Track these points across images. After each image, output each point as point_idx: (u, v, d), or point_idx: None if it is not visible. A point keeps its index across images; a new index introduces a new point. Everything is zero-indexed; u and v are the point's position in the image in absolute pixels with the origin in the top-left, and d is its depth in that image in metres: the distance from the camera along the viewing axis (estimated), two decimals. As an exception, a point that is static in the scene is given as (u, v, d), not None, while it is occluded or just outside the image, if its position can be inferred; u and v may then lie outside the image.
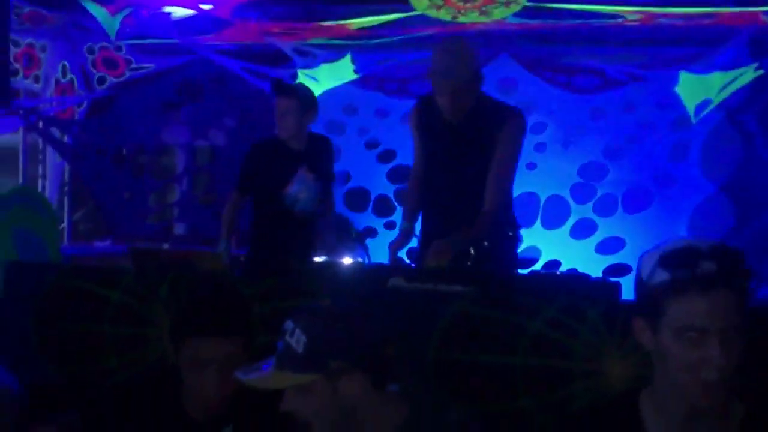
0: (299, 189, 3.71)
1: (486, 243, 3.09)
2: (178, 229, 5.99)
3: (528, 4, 4.54)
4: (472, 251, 3.03)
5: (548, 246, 5.43)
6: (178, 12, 4.84)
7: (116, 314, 2.45)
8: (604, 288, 2.61)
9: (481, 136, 3.12)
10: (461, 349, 2.24)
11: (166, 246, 5.49)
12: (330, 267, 3.26)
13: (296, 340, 1.71)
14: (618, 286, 2.56)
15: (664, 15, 4.65)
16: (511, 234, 3.31)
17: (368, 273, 2.91)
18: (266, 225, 3.88)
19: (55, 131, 5.38)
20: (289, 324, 1.75)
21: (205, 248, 5.04)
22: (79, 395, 2.34)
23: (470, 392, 2.20)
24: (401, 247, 3.17)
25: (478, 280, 2.60)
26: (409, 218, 3.25)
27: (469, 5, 4.62)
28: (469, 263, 2.99)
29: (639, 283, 1.56)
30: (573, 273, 4.98)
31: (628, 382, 2.07)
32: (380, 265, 3.12)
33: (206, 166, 5.87)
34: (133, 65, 5.28)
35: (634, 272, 1.61)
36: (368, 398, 1.73)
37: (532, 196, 5.41)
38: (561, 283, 2.70)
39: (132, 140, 5.58)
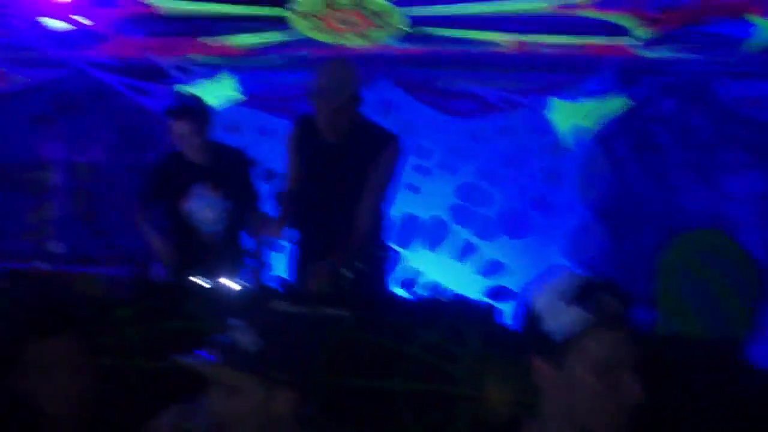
0: (198, 207, 3.60)
1: (359, 264, 3.12)
2: (57, 247, 5.79)
3: (408, 30, 4.64)
4: (346, 273, 3.05)
5: (429, 267, 5.49)
6: (54, 24, 4.73)
7: None
8: (484, 312, 2.65)
9: (358, 157, 3.16)
10: (345, 373, 2.24)
11: (40, 265, 5.30)
12: (208, 289, 3.19)
13: (248, 338, 1.68)
14: (497, 310, 2.60)
15: (538, 44, 4.82)
16: (381, 255, 3.35)
17: (248, 296, 2.87)
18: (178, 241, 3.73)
19: None
20: (238, 322, 1.72)
21: (83, 269, 4.90)
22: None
23: (355, 417, 2.19)
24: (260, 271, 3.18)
25: (360, 304, 2.61)
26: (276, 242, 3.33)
27: (349, 28, 4.68)
28: (345, 285, 3.01)
29: (533, 320, 1.53)
30: (455, 297, 5.06)
31: (508, 407, 2.08)
32: (263, 288, 3.09)
33: (85, 183, 5.71)
34: (7, 77, 5.12)
35: (514, 296, 1.60)
36: (290, 419, 1.71)
37: (412, 218, 5.48)
38: (442, 307, 2.73)
39: (4, 155, 5.39)
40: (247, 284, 3.17)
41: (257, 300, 2.66)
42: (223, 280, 3.87)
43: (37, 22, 4.71)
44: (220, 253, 3.71)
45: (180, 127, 3.64)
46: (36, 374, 1.87)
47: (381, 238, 3.37)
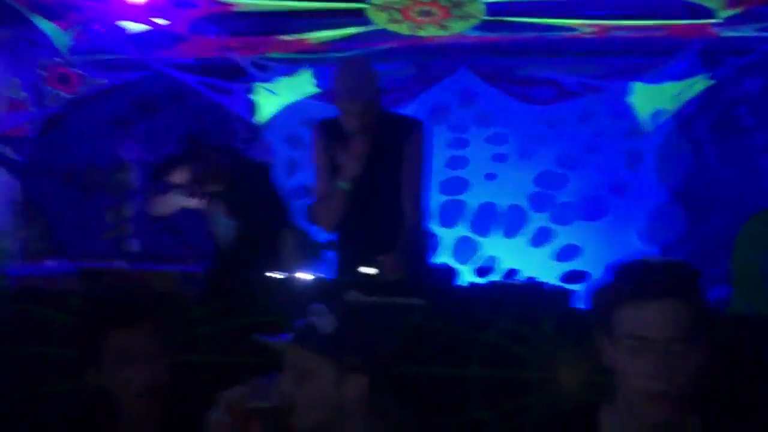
0: (215, 227, 3.64)
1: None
2: (133, 246, 5.87)
3: (486, 18, 4.60)
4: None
5: (507, 254, 5.49)
6: (133, 26, 4.75)
7: (64, 337, 2.37)
8: (557, 296, 2.65)
9: (387, 149, 3.14)
10: (419, 361, 2.24)
11: (119, 264, 5.38)
12: (286, 282, 3.23)
13: (326, 321, 1.71)
14: (570, 293, 2.59)
15: (617, 27, 4.75)
16: (424, 242, 3.36)
17: (326, 287, 2.91)
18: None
19: (7, 149, 5.23)
20: (320, 306, 1.74)
21: (158, 267, 4.96)
22: (27, 422, 2.28)
23: (429, 405, 2.20)
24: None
25: (434, 292, 2.62)
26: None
27: (427, 19, 4.65)
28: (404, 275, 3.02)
29: (594, 296, 1.60)
30: (527, 281, 5.06)
31: (585, 392, 2.08)
32: (337, 279, 3.12)
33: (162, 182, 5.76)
34: (87, 81, 5.16)
35: (590, 279, 1.64)
36: (363, 406, 1.72)
37: (491, 206, 5.47)
38: (515, 292, 2.74)
39: (85, 157, 5.45)
40: (318, 278, 3.22)
41: (330, 293, 2.68)
42: (297, 274, 3.92)
43: (115, 25, 4.73)
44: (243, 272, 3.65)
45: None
46: (112, 364, 1.92)
47: (423, 224, 3.36)
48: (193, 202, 3.69)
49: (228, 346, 2.33)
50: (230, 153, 3.90)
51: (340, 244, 3.34)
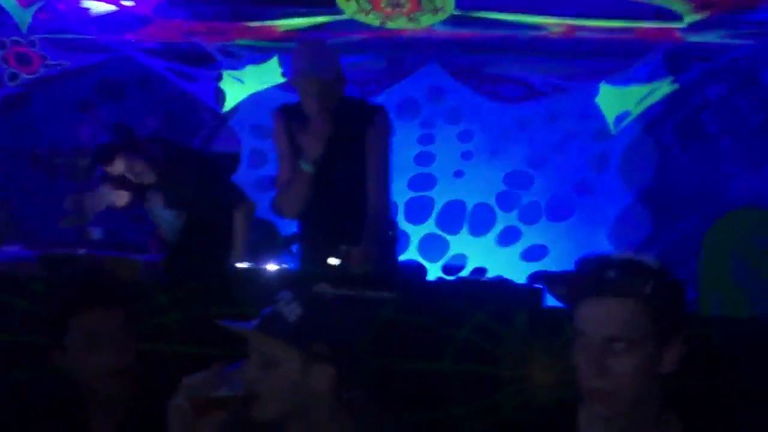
0: (156, 219, 3.62)
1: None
2: (95, 233, 5.78)
3: (456, 12, 4.59)
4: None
5: (475, 253, 5.49)
6: (97, 7, 4.66)
7: (27, 323, 2.34)
8: (527, 294, 2.64)
9: (349, 134, 3.11)
10: (390, 355, 2.22)
11: (81, 251, 5.29)
12: (254, 272, 3.19)
13: (291, 309, 1.68)
14: (541, 292, 2.59)
15: (585, 27, 4.77)
16: (391, 233, 3.33)
17: (293, 279, 2.86)
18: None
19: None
20: (286, 294, 1.72)
21: (122, 254, 4.88)
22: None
23: (400, 400, 2.18)
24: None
25: (404, 286, 2.60)
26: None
27: (397, 11, 4.63)
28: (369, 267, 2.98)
29: (560, 290, 1.60)
30: (498, 279, 5.05)
31: (559, 389, 2.08)
32: (305, 271, 3.08)
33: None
34: (48, 62, 5.05)
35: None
36: (329, 397, 1.69)
37: (459, 204, 5.46)
38: (486, 289, 2.73)
39: (47, 141, 5.35)
40: (286, 269, 3.18)
41: (299, 283, 2.65)
42: (263, 265, 3.87)
43: (78, 4, 4.65)
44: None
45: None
46: (79, 347, 1.90)
47: (389, 215, 3.33)
48: (124, 196, 3.63)
49: (190, 335, 2.30)
50: (163, 144, 3.85)
51: (303, 234, 3.30)
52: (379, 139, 3.15)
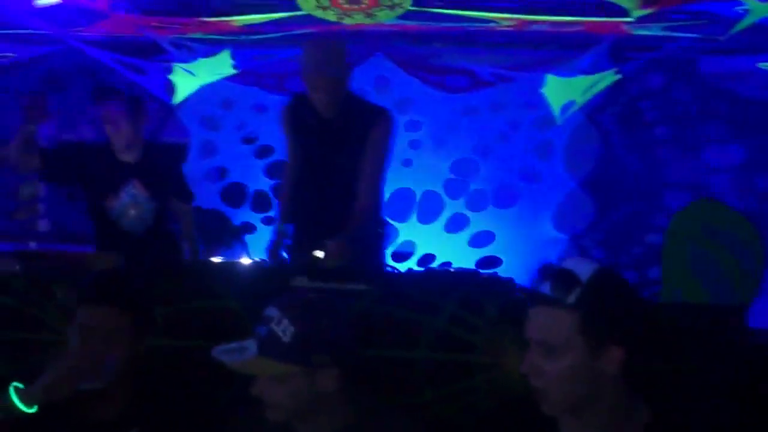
0: (127, 205, 3.53)
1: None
2: (42, 225, 5.70)
3: (412, 8, 4.63)
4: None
5: (423, 240, 5.60)
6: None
7: (7, 320, 2.35)
8: (498, 284, 2.72)
9: (352, 132, 3.19)
10: (368, 346, 2.29)
11: (32, 245, 5.23)
12: (230, 267, 3.22)
13: (283, 329, 1.73)
14: (514, 281, 2.68)
15: (536, 22, 4.88)
16: (380, 231, 3.41)
17: (269, 272, 2.91)
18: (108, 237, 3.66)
19: None
20: (273, 311, 1.76)
21: (70, 247, 4.83)
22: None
23: (379, 387, 2.26)
24: (279, 248, 3.19)
25: (379, 278, 2.66)
26: (286, 219, 3.29)
27: (355, 7, 4.65)
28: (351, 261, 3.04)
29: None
30: (467, 270, 5.17)
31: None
32: (281, 265, 3.13)
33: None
34: (-6, 54, 4.96)
35: (503, 264, 1.71)
36: (338, 395, 1.77)
37: (407, 192, 5.56)
38: (458, 280, 2.79)
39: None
40: (264, 262, 3.22)
41: (277, 277, 2.70)
42: (242, 259, 3.87)
43: (26, -3, 4.55)
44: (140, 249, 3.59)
45: (109, 111, 3.49)
46: (79, 339, 1.94)
47: (380, 213, 3.42)
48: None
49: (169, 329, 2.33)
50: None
51: (297, 228, 3.33)
52: (380, 141, 3.22)
